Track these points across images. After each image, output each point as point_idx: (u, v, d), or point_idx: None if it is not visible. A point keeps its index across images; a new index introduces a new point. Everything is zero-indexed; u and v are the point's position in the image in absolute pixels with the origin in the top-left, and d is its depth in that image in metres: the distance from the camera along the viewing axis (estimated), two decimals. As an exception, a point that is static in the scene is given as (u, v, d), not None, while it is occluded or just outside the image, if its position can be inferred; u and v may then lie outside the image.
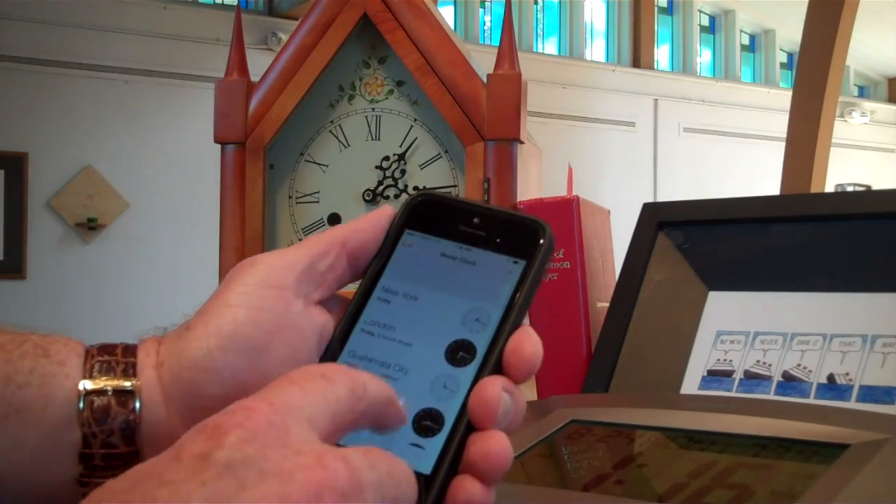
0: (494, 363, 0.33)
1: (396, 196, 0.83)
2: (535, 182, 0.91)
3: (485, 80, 0.81)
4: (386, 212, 0.37)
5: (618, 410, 0.61)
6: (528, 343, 0.34)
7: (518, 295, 0.34)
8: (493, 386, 0.32)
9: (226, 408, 0.27)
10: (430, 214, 0.36)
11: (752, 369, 0.65)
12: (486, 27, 6.96)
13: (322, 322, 0.35)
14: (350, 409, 0.29)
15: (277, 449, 0.25)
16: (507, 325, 0.34)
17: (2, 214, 5.09)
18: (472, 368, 0.33)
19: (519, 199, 0.80)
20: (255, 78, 0.85)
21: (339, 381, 0.29)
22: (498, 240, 0.35)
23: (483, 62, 0.85)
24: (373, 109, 0.85)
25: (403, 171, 0.83)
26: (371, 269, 0.36)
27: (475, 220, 0.35)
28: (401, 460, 0.29)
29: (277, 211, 0.85)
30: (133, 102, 5.31)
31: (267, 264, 0.34)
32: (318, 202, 0.85)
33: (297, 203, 0.85)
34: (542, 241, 0.35)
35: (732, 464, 0.50)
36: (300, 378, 0.28)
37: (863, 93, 8.73)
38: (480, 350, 0.34)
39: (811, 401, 0.61)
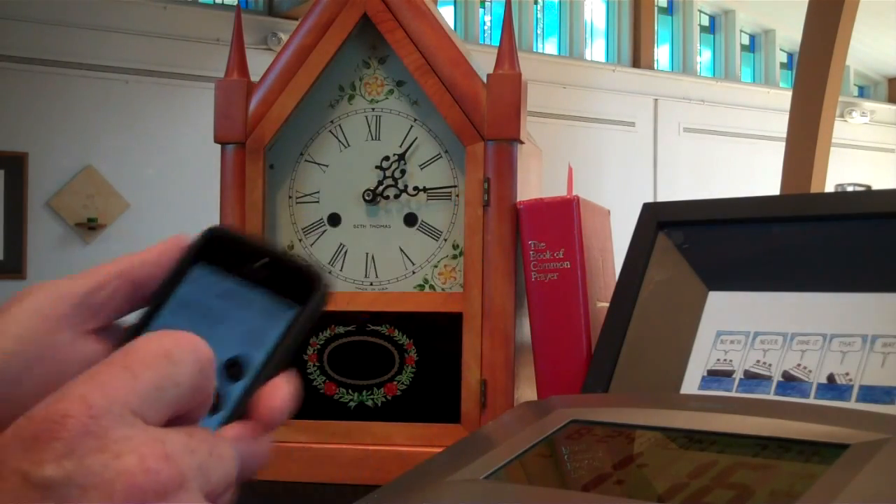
0: (243, 410, 0.33)
1: (396, 196, 0.83)
2: (535, 182, 0.91)
3: (485, 80, 0.81)
4: (177, 242, 0.36)
5: (618, 410, 0.61)
6: (279, 392, 0.33)
7: (283, 341, 0.34)
8: (227, 433, 0.31)
9: (43, 406, 0.26)
10: (219, 250, 0.36)
11: (752, 369, 0.65)
12: (486, 27, 6.96)
13: (93, 352, 0.34)
14: (191, 391, 0.29)
15: (97, 457, 0.25)
16: (267, 370, 0.34)
17: (2, 214, 5.10)
18: (219, 416, 0.33)
19: (519, 199, 0.80)
20: (255, 78, 0.85)
21: (185, 358, 0.29)
22: (278, 283, 0.35)
23: (483, 62, 0.85)
24: (373, 109, 0.85)
25: (403, 171, 0.83)
26: (153, 302, 0.35)
27: (260, 261, 0.35)
28: (223, 439, 0.30)
29: (277, 211, 0.85)
30: (133, 102, 5.31)
31: (46, 291, 0.34)
32: (318, 202, 0.85)
33: (297, 203, 0.85)
34: (317, 290, 0.35)
35: (732, 464, 0.50)
36: (138, 361, 0.28)
37: (863, 93, 8.73)
38: (233, 397, 0.33)
39: (811, 401, 0.61)
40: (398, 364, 0.82)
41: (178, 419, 0.29)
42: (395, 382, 0.81)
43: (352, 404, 0.82)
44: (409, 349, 0.81)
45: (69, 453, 0.25)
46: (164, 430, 0.28)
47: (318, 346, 0.83)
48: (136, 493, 0.25)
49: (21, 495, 0.24)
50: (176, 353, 0.28)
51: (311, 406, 0.82)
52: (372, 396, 0.82)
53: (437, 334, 0.81)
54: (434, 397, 0.81)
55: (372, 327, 0.82)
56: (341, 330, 0.83)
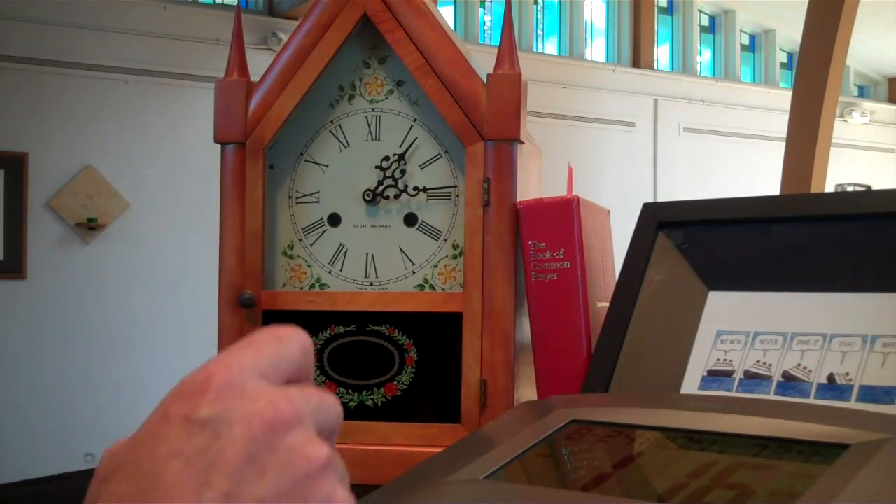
0: None
1: (396, 196, 0.83)
2: (535, 182, 0.91)
3: (485, 80, 0.81)
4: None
5: (618, 410, 0.61)
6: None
7: None
8: None
9: (192, 373, 0.35)
10: None
11: (752, 369, 0.65)
12: (486, 27, 6.96)
13: None
14: (299, 366, 0.37)
15: (238, 402, 0.34)
16: None
17: (2, 214, 5.09)
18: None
19: (519, 199, 0.80)
20: (255, 78, 0.85)
21: (293, 340, 0.38)
22: None
23: (483, 62, 0.85)
24: (373, 109, 0.85)
25: (403, 171, 0.83)
26: None
27: None
28: (329, 393, 0.38)
29: (277, 211, 0.85)
30: (133, 102, 5.31)
31: None
32: (318, 202, 0.85)
33: (297, 203, 0.85)
34: None
35: (732, 464, 0.50)
36: (258, 340, 0.37)
37: (863, 93, 8.73)
38: None
39: (811, 401, 0.61)
40: (398, 364, 0.82)
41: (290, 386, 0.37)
42: (395, 382, 0.81)
43: (352, 404, 0.82)
44: (409, 349, 0.81)
45: (217, 399, 0.34)
46: (284, 386, 0.36)
47: (319, 346, 0.83)
48: (268, 425, 0.34)
49: (184, 430, 0.33)
50: (285, 337, 0.37)
51: None
52: (372, 396, 0.82)
53: (437, 334, 0.81)
54: (434, 397, 0.81)
55: (372, 327, 0.82)
56: (341, 330, 0.83)
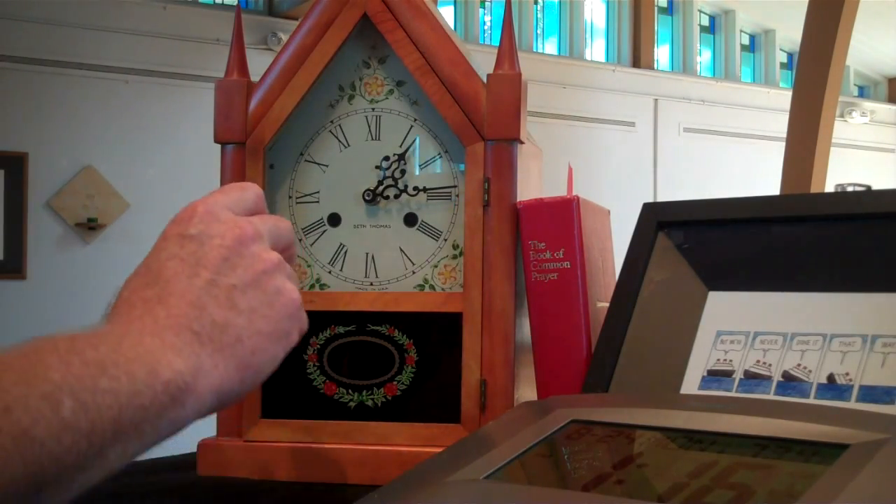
0: None
1: (396, 196, 0.83)
2: (535, 182, 0.91)
3: (485, 80, 0.81)
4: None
5: (618, 410, 0.61)
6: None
7: None
8: None
9: (181, 209, 0.51)
10: None
11: (752, 369, 0.65)
12: (486, 27, 6.96)
13: None
14: (255, 205, 0.54)
15: (213, 223, 0.50)
16: None
17: (2, 214, 5.09)
18: None
19: (519, 199, 0.80)
20: (255, 78, 0.85)
21: (251, 189, 0.54)
22: None
23: (483, 62, 0.85)
24: (373, 109, 0.85)
25: (403, 171, 0.83)
26: None
27: None
28: (284, 218, 0.55)
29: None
30: (133, 102, 5.31)
31: None
32: (317, 202, 0.85)
33: (298, 203, 0.85)
34: None
35: (732, 464, 0.50)
36: (226, 188, 0.53)
37: (863, 93, 8.73)
38: None
39: (811, 401, 0.61)
40: (398, 364, 0.81)
41: None
42: (395, 382, 0.81)
43: (352, 404, 0.82)
44: (409, 349, 0.81)
45: (200, 222, 0.49)
46: (248, 216, 0.52)
47: (318, 346, 0.83)
48: (236, 238, 0.49)
49: (178, 242, 0.49)
50: (245, 186, 0.54)
51: (311, 406, 0.82)
52: (372, 396, 0.82)
53: (437, 334, 0.81)
54: (434, 397, 0.81)
55: (372, 327, 0.82)
56: (341, 330, 0.83)
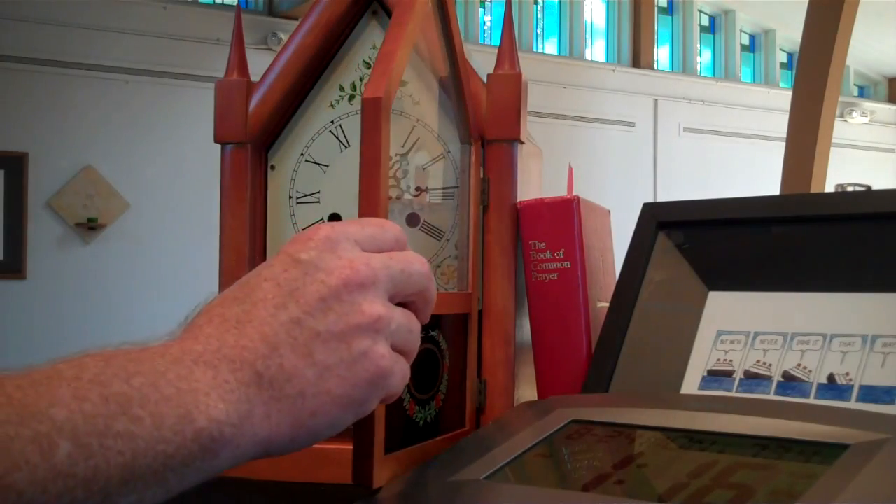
0: None
1: (398, 196, 0.83)
2: (535, 182, 0.91)
3: (485, 80, 0.81)
4: None
5: (618, 410, 0.61)
6: None
7: None
8: None
9: (305, 229, 0.48)
10: None
11: (752, 369, 0.65)
12: (486, 27, 6.96)
13: None
14: (392, 247, 0.48)
15: (330, 255, 0.45)
16: None
17: (2, 214, 5.09)
18: None
19: (519, 199, 0.80)
20: (255, 78, 0.85)
21: (391, 231, 0.49)
22: None
23: (483, 62, 0.85)
24: (373, 109, 0.85)
25: (405, 172, 0.83)
26: None
27: None
28: (418, 258, 0.49)
29: (278, 211, 0.85)
30: (133, 102, 5.31)
31: None
32: (318, 202, 0.85)
33: (298, 203, 0.85)
34: None
35: (732, 464, 0.50)
36: (365, 221, 0.49)
37: (863, 93, 8.73)
38: None
39: (811, 401, 0.61)
40: (440, 371, 0.81)
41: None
42: (440, 393, 0.80)
43: (420, 423, 0.81)
44: (446, 354, 0.81)
45: (315, 248, 0.45)
46: (373, 254, 0.47)
47: None
48: (344, 279, 0.44)
49: (284, 264, 0.45)
50: (386, 224, 0.49)
51: (405, 431, 0.76)
52: (429, 412, 0.80)
53: (456, 336, 0.81)
54: (456, 403, 0.80)
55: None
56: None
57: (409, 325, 0.47)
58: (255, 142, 0.83)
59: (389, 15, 0.82)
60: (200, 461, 0.39)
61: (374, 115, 0.60)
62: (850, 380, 0.61)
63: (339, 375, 0.43)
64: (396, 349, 0.47)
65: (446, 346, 0.75)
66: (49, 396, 0.36)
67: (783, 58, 8.29)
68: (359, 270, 0.45)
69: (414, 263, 0.48)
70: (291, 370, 0.42)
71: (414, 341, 0.48)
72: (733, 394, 0.64)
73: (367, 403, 0.45)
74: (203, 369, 0.40)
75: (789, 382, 0.63)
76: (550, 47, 7.25)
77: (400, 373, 0.47)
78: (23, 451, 0.34)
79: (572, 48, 7.22)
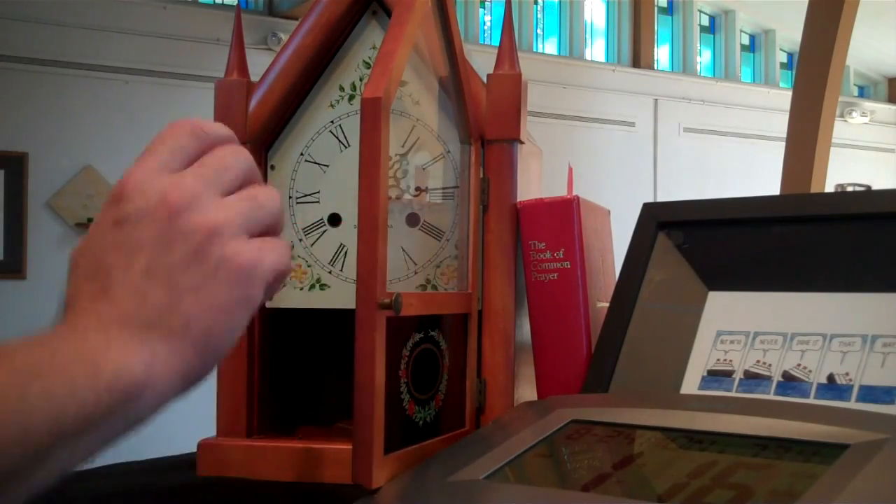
0: None
1: (398, 196, 0.83)
2: (535, 182, 0.91)
3: (485, 80, 0.81)
4: None
5: (618, 410, 0.61)
6: None
7: None
8: None
9: (114, 185, 0.47)
10: None
11: (752, 369, 0.65)
12: (486, 27, 6.96)
13: None
14: (191, 149, 0.48)
15: (140, 199, 0.46)
16: None
17: (2, 214, 5.09)
18: None
19: (519, 199, 0.80)
20: (255, 78, 0.85)
21: (178, 133, 0.48)
22: None
23: (483, 62, 0.85)
24: (373, 109, 0.85)
25: (405, 172, 0.83)
26: None
27: None
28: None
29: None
30: (133, 102, 5.31)
31: None
32: (318, 202, 0.85)
33: (298, 203, 0.85)
34: None
35: (732, 464, 0.50)
36: (155, 141, 0.49)
37: (863, 93, 8.72)
38: None
39: (811, 401, 0.61)
40: (440, 371, 0.81)
41: None
42: (440, 392, 0.81)
43: (420, 423, 0.81)
44: (446, 354, 0.81)
45: (129, 202, 0.46)
46: (181, 171, 0.47)
47: (407, 358, 0.81)
48: (166, 212, 0.45)
49: (111, 229, 0.46)
50: (175, 132, 0.49)
51: (405, 431, 0.74)
52: (429, 412, 0.80)
53: (456, 335, 0.81)
54: (455, 403, 0.80)
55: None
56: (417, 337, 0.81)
57: (254, 205, 0.49)
58: (255, 141, 0.83)
59: (389, 15, 0.82)
60: (123, 408, 0.43)
61: (373, 115, 0.60)
62: (850, 380, 0.61)
63: (211, 290, 0.45)
64: (258, 234, 0.48)
65: (446, 346, 0.75)
66: None
67: (783, 58, 8.29)
68: (173, 196, 0.46)
69: (222, 157, 0.49)
70: (168, 307, 0.45)
71: (269, 214, 0.50)
72: (733, 394, 0.64)
73: (252, 299, 0.47)
74: (94, 335, 0.44)
75: (789, 382, 0.63)
76: (550, 47, 7.25)
77: (271, 254, 0.47)
78: None
79: (572, 48, 7.21)
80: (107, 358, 0.42)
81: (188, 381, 0.46)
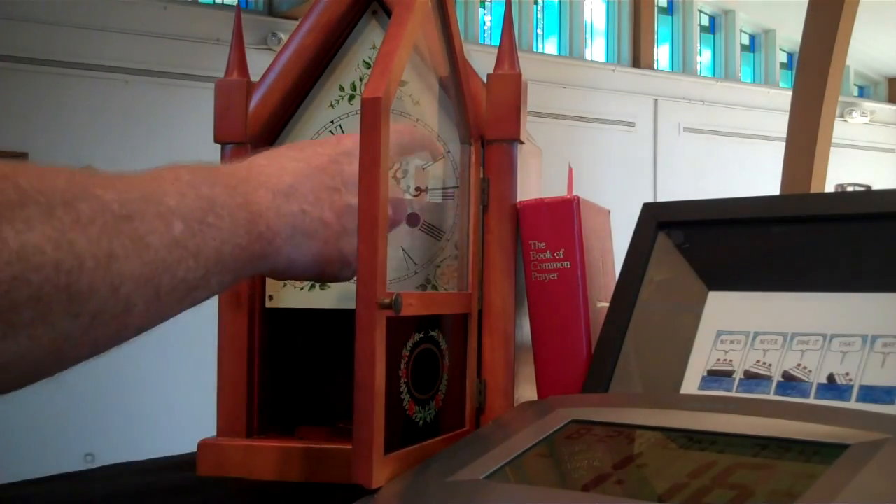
0: None
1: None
2: (535, 182, 0.91)
3: (485, 80, 0.81)
4: None
5: (618, 410, 0.61)
6: None
7: None
8: None
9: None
10: None
11: (752, 369, 0.65)
12: (486, 27, 6.96)
13: None
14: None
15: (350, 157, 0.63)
16: None
17: (2, 214, 5.09)
18: None
19: (519, 199, 0.80)
20: (255, 78, 0.85)
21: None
22: None
23: (483, 62, 0.85)
24: (373, 109, 0.85)
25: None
26: None
27: None
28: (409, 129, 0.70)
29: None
30: (133, 102, 5.31)
31: None
32: (318, 202, 0.85)
33: (298, 203, 0.85)
34: None
35: (732, 464, 0.50)
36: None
37: (863, 93, 8.72)
38: None
39: (811, 401, 0.61)
40: (440, 371, 0.80)
41: None
42: (440, 392, 0.80)
43: (420, 423, 0.80)
44: (446, 354, 0.80)
45: (346, 155, 0.64)
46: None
47: (407, 358, 0.81)
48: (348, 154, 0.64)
49: (340, 152, 0.64)
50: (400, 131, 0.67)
51: (406, 431, 0.74)
52: (429, 412, 0.80)
53: (456, 335, 0.81)
54: (455, 404, 0.80)
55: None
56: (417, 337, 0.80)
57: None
58: (255, 142, 0.83)
59: (389, 15, 0.82)
60: (257, 261, 0.53)
61: (373, 115, 0.60)
62: (850, 380, 0.61)
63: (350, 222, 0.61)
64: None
65: (446, 346, 0.75)
66: (160, 189, 0.48)
67: (783, 58, 8.29)
68: (345, 144, 0.63)
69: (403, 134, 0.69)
70: (326, 222, 0.58)
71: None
72: (733, 394, 0.64)
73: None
74: (263, 191, 0.54)
75: (789, 382, 0.63)
76: (550, 47, 7.25)
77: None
78: (151, 221, 0.46)
79: (572, 48, 7.21)
80: (265, 216, 0.53)
81: (287, 270, 0.58)
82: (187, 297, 0.49)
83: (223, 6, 5.80)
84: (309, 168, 0.60)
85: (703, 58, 7.98)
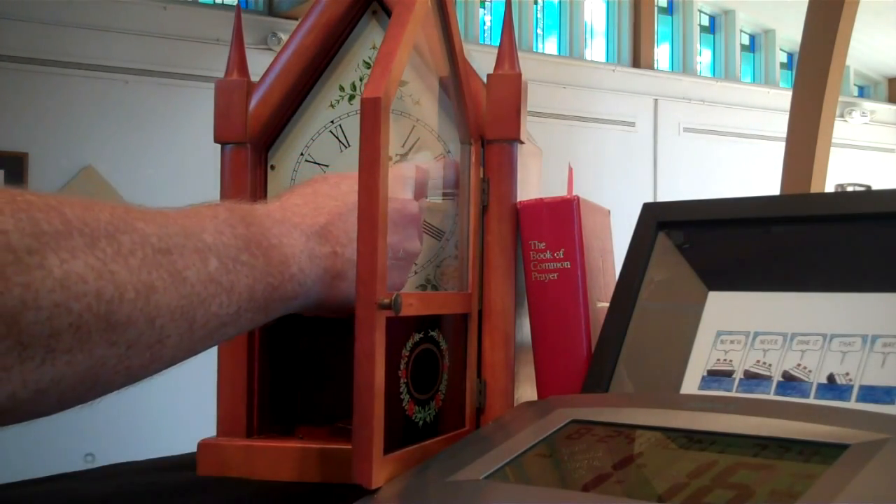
0: None
1: (396, 196, 0.83)
2: (535, 182, 0.91)
3: (485, 80, 0.81)
4: None
5: (618, 410, 0.61)
6: None
7: None
8: None
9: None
10: None
11: (752, 369, 0.65)
12: (486, 27, 6.96)
13: None
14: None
15: (398, 188, 0.64)
16: None
17: (2, 214, 5.09)
18: None
19: (519, 199, 0.80)
20: (255, 78, 0.85)
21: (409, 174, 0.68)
22: None
23: (483, 62, 0.85)
24: (373, 109, 0.85)
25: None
26: None
27: None
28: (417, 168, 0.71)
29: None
30: (133, 102, 5.31)
31: None
32: (318, 202, 0.85)
33: (298, 203, 0.85)
34: None
35: (732, 464, 0.50)
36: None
37: (863, 93, 8.72)
38: None
39: (811, 401, 0.61)
40: (440, 371, 0.80)
41: None
42: (440, 392, 0.80)
43: (420, 423, 0.80)
44: (445, 354, 0.80)
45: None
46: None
47: (406, 358, 0.81)
48: (407, 215, 0.67)
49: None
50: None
51: (406, 431, 0.72)
52: (429, 412, 0.80)
53: (455, 336, 0.81)
54: (456, 404, 0.80)
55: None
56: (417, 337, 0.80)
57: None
58: (255, 142, 0.83)
59: (389, 15, 0.82)
60: (288, 301, 0.55)
61: (373, 115, 0.60)
62: (850, 380, 0.61)
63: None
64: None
65: (446, 346, 0.75)
66: (199, 225, 0.50)
67: (783, 58, 8.29)
68: (408, 207, 0.64)
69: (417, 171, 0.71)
70: (351, 258, 0.59)
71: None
72: (733, 394, 0.64)
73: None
74: (297, 234, 0.56)
75: (789, 382, 0.63)
76: (550, 47, 7.25)
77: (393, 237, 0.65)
78: (189, 256, 0.48)
79: (572, 48, 7.22)
80: (297, 257, 0.55)
81: (317, 308, 0.61)
82: (218, 332, 0.50)
83: (223, 6, 5.80)
84: (344, 207, 0.61)
85: (703, 58, 7.98)
